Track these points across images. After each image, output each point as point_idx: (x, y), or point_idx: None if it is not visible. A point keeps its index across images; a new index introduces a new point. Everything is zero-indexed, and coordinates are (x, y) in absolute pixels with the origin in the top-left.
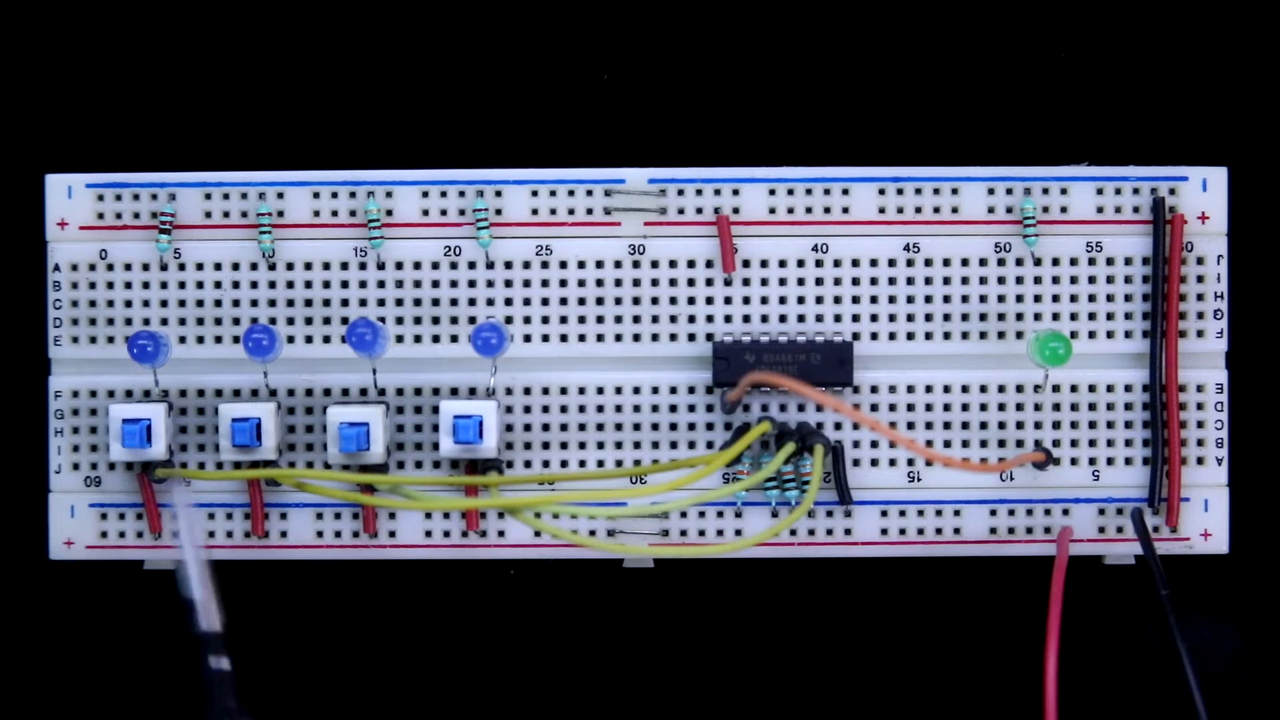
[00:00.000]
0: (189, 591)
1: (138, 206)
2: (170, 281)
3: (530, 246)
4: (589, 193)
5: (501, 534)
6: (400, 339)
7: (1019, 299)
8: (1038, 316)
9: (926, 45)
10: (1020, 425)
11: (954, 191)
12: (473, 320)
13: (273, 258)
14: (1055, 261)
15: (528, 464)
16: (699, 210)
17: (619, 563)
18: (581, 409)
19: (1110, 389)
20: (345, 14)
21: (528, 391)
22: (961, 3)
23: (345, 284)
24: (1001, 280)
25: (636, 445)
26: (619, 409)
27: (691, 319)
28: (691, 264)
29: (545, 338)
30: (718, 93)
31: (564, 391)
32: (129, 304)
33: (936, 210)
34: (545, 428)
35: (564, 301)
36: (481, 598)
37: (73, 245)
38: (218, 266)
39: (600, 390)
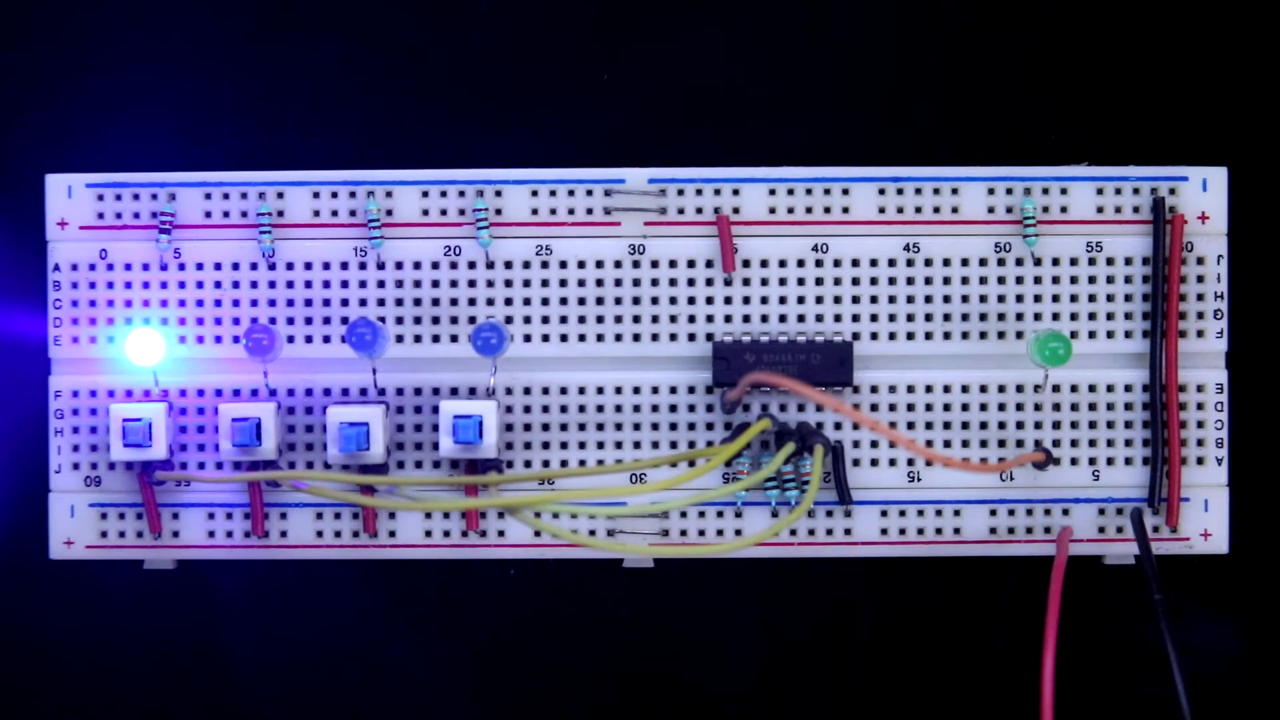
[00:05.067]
0: None
1: (138, 206)
2: (170, 281)
3: (530, 246)
4: (589, 193)
5: (501, 534)
6: (400, 339)
7: (1019, 299)
8: (1038, 316)
9: (926, 45)
10: (1020, 425)
11: (954, 191)
12: (473, 320)
13: (273, 258)
14: (1055, 261)
15: (528, 464)
16: (699, 210)
17: (619, 563)
18: (581, 409)
19: (1110, 389)
20: (345, 14)
21: (528, 391)
22: (961, 3)
23: (345, 284)
24: (1001, 280)
25: (636, 445)
26: (619, 409)
27: (691, 319)
28: (691, 264)
29: (545, 338)
30: (718, 93)
31: (564, 391)
32: (129, 304)
33: (936, 210)
34: (545, 428)
35: (564, 301)
36: (481, 598)
37: (73, 245)
38: (218, 266)
39: (600, 390)
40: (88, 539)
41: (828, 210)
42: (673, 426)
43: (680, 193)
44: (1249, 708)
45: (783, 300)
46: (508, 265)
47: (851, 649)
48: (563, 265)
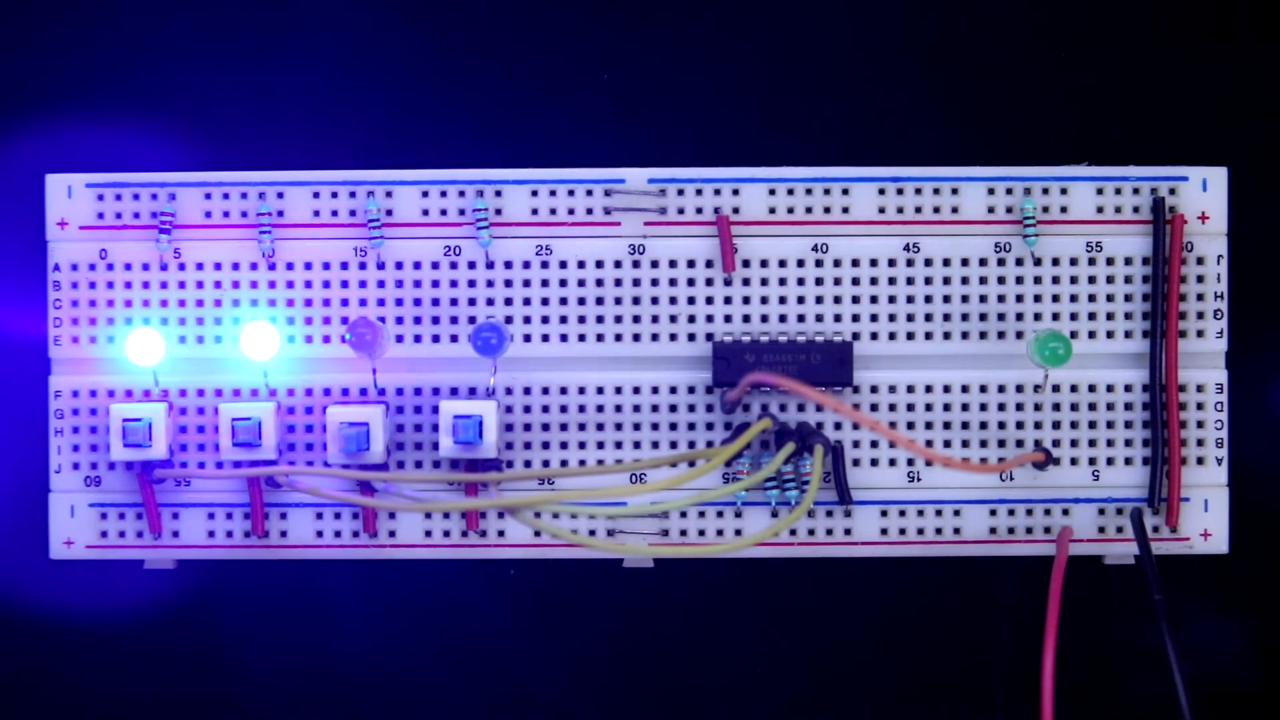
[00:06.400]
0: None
1: (138, 206)
2: (170, 281)
3: (530, 246)
4: (589, 193)
5: (501, 534)
6: (400, 339)
7: (1019, 299)
8: (1038, 316)
9: (926, 45)
10: (1020, 425)
11: (954, 191)
12: (473, 320)
13: (273, 258)
14: (1055, 261)
15: (528, 464)
16: (699, 210)
17: (619, 563)
18: (581, 409)
19: (1110, 389)
20: (345, 14)
21: (528, 391)
22: (961, 3)
23: (345, 284)
24: (1001, 280)
25: (636, 445)
26: (619, 409)
27: (691, 319)
28: (691, 264)
29: (545, 338)
30: (718, 93)
31: (564, 391)
32: (129, 304)
33: (936, 210)
34: (545, 428)
35: (564, 301)
36: (481, 598)
37: (73, 245)
38: (218, 266)
39: (600, 390)
40: (88, 539)
41: (828, 210)
42: (673, 426)
43: (680, 193)
44: (1249, 708)
45: (783, 300)
46: (508, 265)
47: (851, 649)
48: (563, 265)
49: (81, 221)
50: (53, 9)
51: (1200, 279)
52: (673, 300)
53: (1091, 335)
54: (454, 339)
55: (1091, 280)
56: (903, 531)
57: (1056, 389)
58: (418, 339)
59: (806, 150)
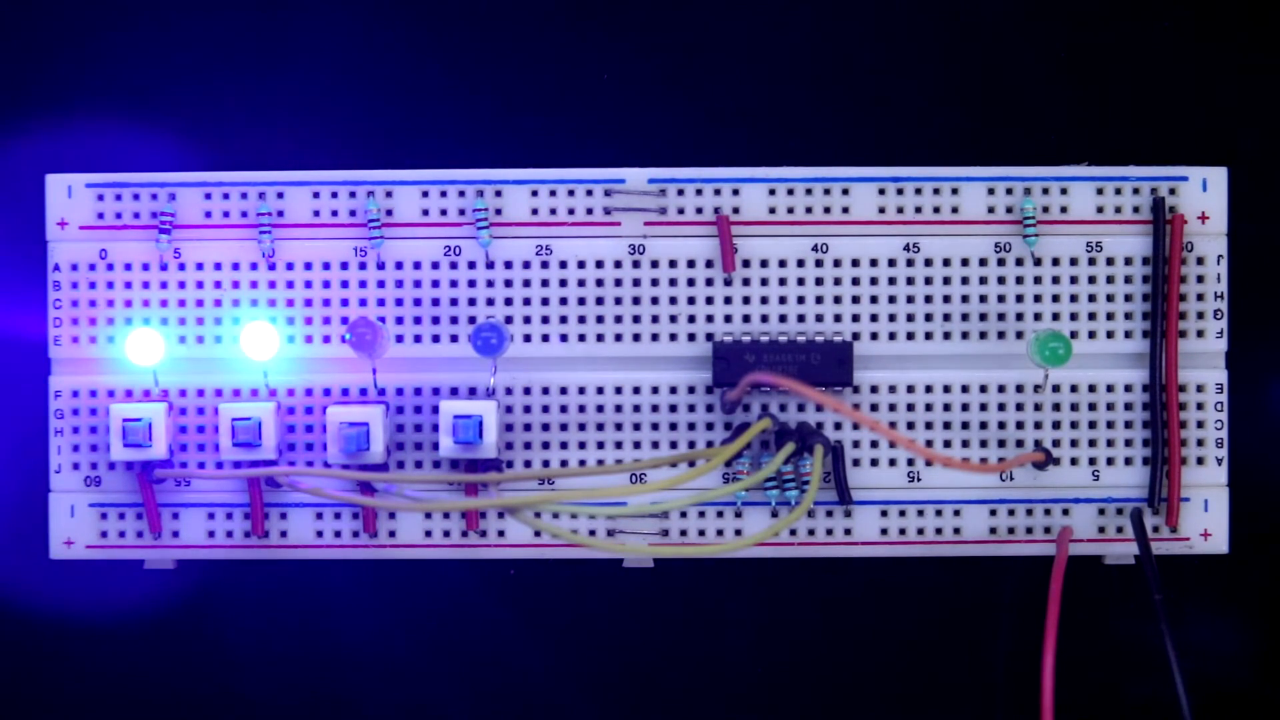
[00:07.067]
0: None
1: (138, 206)
2: (170, 281)
3: (530, 246)
4: (589, 193)
5: (501, 534)
6: (400, 339)
7: (1019, 299)
8: (1038, 316)
9: (926, 45)
10: (1020, 425)
11: (954, 191)
12: (473, 320)
13: (273, 258)
14: (1055, 261)
15: (528, 464)
16: (699, 210)
17: (619, 563)
18: (581, 409)
19: (1110, 389)
20: (345, 13)
21: (528, 391)
22: (961, 2)
23: (345, 284)
24: (1001, 280)
25: (636, 445)
26: (619, 409)
27: (691, 319)
28: (691, 264)
29: (545, 338)
30: (718, 93)
31: (564, 391)
32: (129, 304)
33: (936, 210)
34: (545, 428)
35: (564, 301)
36: (481, 598)
37: (73, 245)
38: (218, 266)
39: (600, 390)
40: (88, 539)
41: (828, 210)
42: (673, 426)
43: (680, 193)
44: (1249, 708)
45: (783, 300)
46: (508, 265)
47: (852, 649)
48: (563, 265)
49: (81, 221)
50: (53, 10)
51: (1200, 279)
52: (673, 300)
53: (1091, 335)
54: (454, 339)
55: (1091, 280)
56: (903, 531)
57: (1056, 389)
58: (418, 339)
59: (806, 150)
